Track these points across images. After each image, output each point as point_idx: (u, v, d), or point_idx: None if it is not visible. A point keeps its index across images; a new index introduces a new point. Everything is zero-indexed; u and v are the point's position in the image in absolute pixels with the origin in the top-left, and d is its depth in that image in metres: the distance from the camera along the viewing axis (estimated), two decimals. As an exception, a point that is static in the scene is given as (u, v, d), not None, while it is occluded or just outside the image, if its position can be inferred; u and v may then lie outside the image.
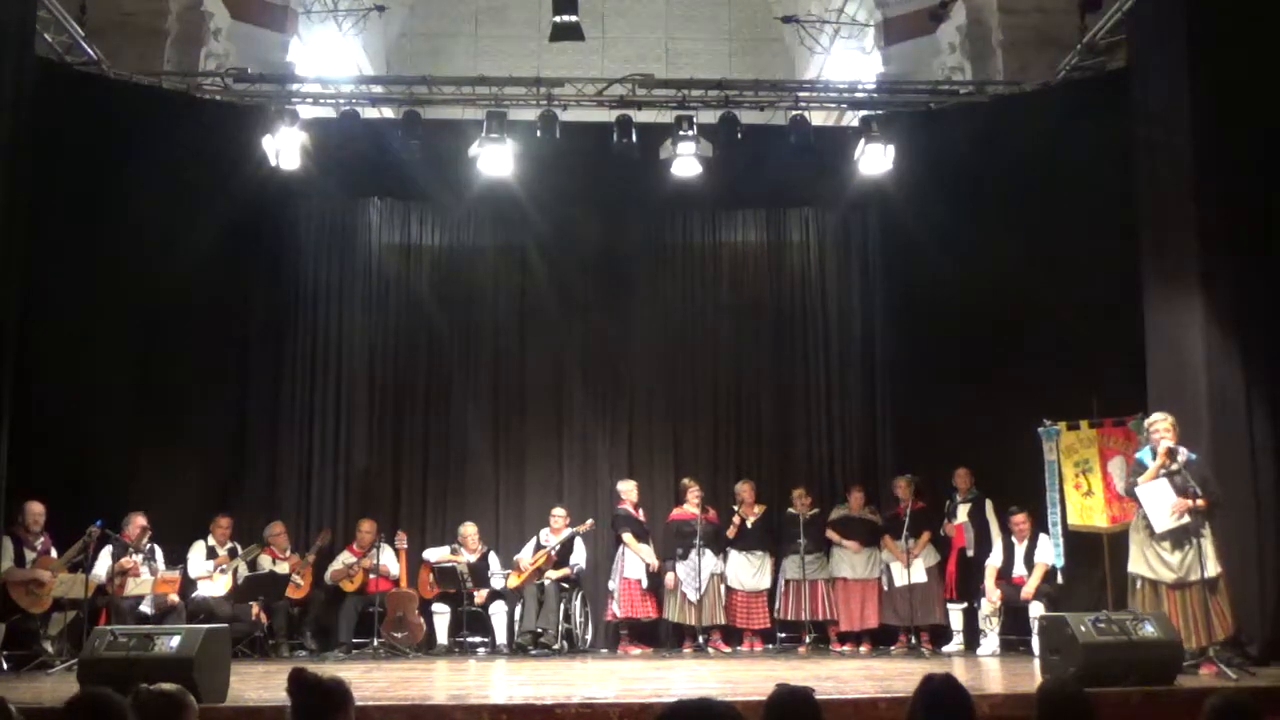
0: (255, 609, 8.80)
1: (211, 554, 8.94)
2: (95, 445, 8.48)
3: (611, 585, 9.59)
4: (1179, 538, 6.81)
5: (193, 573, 8.77)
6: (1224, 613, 6.67)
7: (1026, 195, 9.19)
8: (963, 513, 9.22)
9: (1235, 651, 6.74)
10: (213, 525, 9.01)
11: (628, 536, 9.49)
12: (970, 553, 9.14)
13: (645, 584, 9.41)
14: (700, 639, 9.15)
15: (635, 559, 9.45)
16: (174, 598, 8.30)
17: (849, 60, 12.78)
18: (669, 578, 9.39)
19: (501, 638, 9.33)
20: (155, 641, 5.69)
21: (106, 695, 3.02)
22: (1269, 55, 7.46)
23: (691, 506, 9.41)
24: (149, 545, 8.39)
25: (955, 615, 9.19)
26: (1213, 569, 6.66)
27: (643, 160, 9.55)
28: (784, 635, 9.44)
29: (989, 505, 9.18)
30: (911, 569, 8.96)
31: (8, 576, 7.72)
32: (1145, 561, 6.94)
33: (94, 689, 3.12)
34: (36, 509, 7.95)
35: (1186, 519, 6.74)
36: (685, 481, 9.69)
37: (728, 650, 9.20)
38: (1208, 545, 6.69)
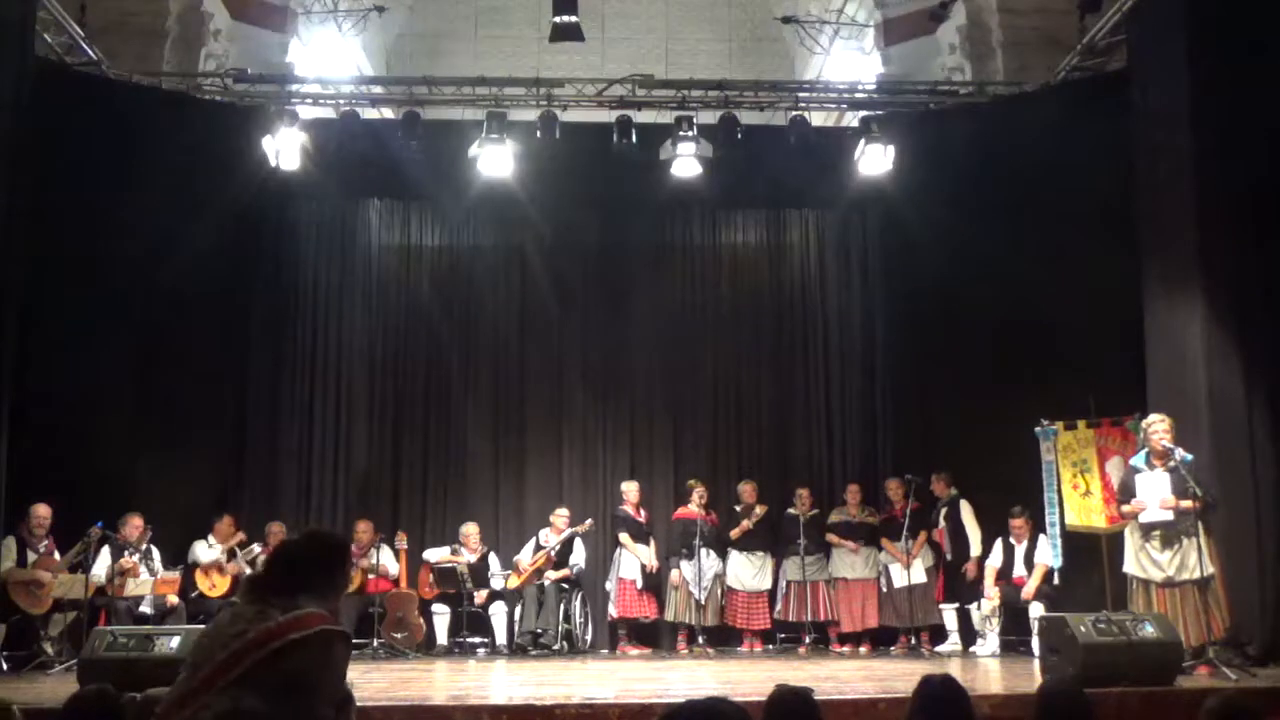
0: (255, 609, 8.78)
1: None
2: (95, 445, 8.47)
3: (609, 586, 9.60)
4: (1169, 537, 6.85)
5: (201, 559, 8.77)
6: (1217, 613, 6.68)
7: (1026, 195, 9.18)
8: (943, 517, 9.23)
9: (1234, 652, 6.74)
10: (215, 526, 8.99)
11: (624, 537, 9.51)
12: (949, 556, 9.16)
13: (640, 584, 9.42)
14: (700, 639, 9.14)
15: (631, 559, 9.46)
16: (174, 598, 8.31)
17: (849, 60, 12.78)
18: (674, 575, 9.39)
19: (501, 638, 9.33)
20: (155, 642, 5.70)
21: (106, 691, 3.04)
22: (1268, 55, 7.46)
23: (695, 506, 9.41)
24: (146, 546, 8.39)
25: (949, 616, 9.21)
26: (1205, 569, 6.66)
27: (643, 161, 9.56)
28: (784, 636, 9.44)
29: (964, 506, 9.16)
30: (910, 570, 8.97)
31: (8, 577, 7.73)
32: (1137, 562, 7.00)
33: (94, 685, 3.13)
34: (42, 511, 7.96)
35: (1171, 515, 6.79)
36: (690, 482, 9.68)
37: (711, 652, 9.12)
38: (1202, 545, 6.69)
